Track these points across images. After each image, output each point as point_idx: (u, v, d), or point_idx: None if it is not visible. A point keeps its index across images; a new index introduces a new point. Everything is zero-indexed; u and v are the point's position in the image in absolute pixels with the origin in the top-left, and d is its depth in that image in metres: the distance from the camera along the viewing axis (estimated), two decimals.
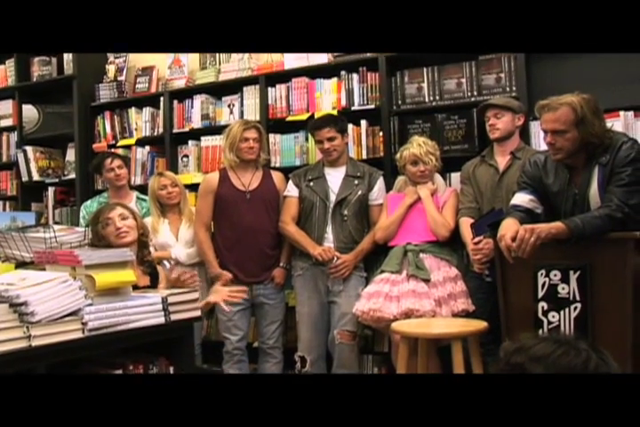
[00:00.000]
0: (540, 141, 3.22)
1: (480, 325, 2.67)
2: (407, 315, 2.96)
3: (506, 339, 2.36)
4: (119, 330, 2.19)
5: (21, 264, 2.55)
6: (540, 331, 2.38)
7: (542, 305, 2.41)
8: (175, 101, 4.42)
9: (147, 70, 4.65)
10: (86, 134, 4.70)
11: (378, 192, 3.46)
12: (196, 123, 4.35)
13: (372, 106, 3.81)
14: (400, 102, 3.79)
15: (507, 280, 2.54)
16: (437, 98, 3.71)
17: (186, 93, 4.40)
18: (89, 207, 3.98)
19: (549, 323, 2.39)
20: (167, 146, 4.41)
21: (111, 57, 4.79)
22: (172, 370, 2.47)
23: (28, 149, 4.81)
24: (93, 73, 4.74)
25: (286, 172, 3.71)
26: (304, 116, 3.95)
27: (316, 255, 3.35)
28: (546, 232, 2.28)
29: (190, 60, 4.49)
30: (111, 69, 4.75)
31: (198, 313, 2.52)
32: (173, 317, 2.36)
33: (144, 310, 2.27)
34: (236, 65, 4.26)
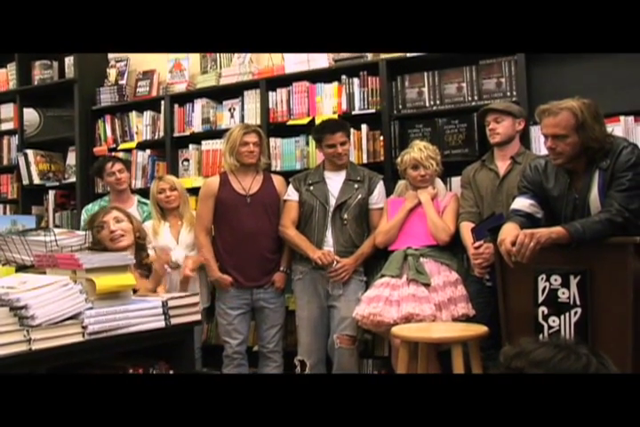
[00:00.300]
0: (540, 146, 3.22)
1: (480, 329, 2.66)
2: (407, 319, 2.96)
3: (506, 343, 2.36)
4: (119, 334, 2.19)
5: (22, 268, 2.55)
6: (541, 336, 2.38)
7: (543, 310, 2.41)
8: (176, 105, 4.43)
9: (148, 74, 4.66)
10: (87, 138, 4.70)
11: (378, 196, 3.46)
12: (197, 127, 4.35)
13: (373, 110, 3.81)
14: (401, 107, 3.80)
15: (507, 285, 2.54)
16: (438, 102, 3.72)
17: (187, 97, 4.41)
18: (90, 211, 3.97)
19: (550, 328, 2.39)
20: (168, 150, 4.41)
21: (112, 61, 4.80)
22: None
23: (29, 152, 4.82)
24: (94, 77, 4.75)
25: (287, 176, 3.71)
26: (305, 121, 3.95)
27: (315, 259, 3.34)
28: (546, 237, 2.28)
29: (191, 64, 4.50)
30: (112, 73, 4.77)
31: (198, 317, 2.53)
32: (173, 320, 2.36)
33: (144, 314, 2.27)
34: (236, 69, 4.27)
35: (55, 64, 4.92)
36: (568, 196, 2.53)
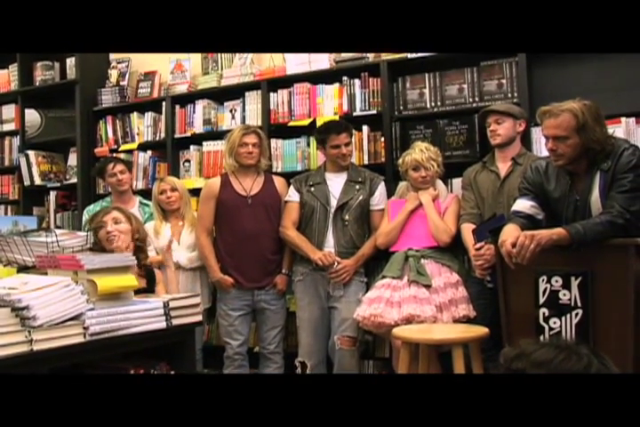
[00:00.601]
0: (541, 147, 3.23)
1: (481, 330, 2.66)
2: (408, 320, 2.96)
3: (506, 345, 2.36)
4: (120, 335, 2.19)
5: (23, 268, 2.55)
6: (542, 337, 2.38)
7: (543, 311, 2.40)
8: (177, 106, 4.43)
9: (149, 75, 4.66)
10: (88, 139, 4.71)
11: (379, 197, 3.46)
12: (198, 128, 4.36)
13: (374, 111, 3.81)
14: (402, 108, 3.80)
15: (508, 286, 2.54)
16: (439, 104, 3.72)
17: (188, 98, 4.41)
18: (92, 212, 3.97)
19: (551, 329, 2.39)
20: (169, 151, 4.41)
21: (113, 62, 4.80)
22: None
23: (30, 153, 4.82)
24: (96, 78, 4.76)
25: (288, 177, 3.71)
26: (306, 122, 3.95)
27: (316, 260, 3.35)
28: (546, 238, 2.28)
29: (192, 65, 4.50)
30: (113, 74, 4.77)
31: (199, 318, 2.53)
32: (175, 321, 2.36)
33: (145, 315, 2.27)
34: (237, 70, 4.27)
35: (57, 65, 4.92)
36: (569, 197, 2.52)
